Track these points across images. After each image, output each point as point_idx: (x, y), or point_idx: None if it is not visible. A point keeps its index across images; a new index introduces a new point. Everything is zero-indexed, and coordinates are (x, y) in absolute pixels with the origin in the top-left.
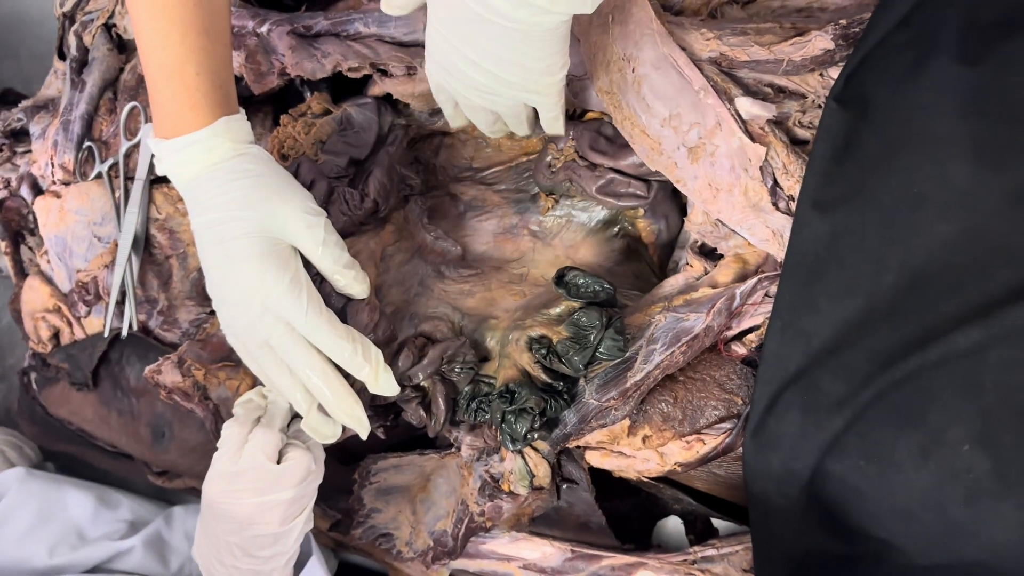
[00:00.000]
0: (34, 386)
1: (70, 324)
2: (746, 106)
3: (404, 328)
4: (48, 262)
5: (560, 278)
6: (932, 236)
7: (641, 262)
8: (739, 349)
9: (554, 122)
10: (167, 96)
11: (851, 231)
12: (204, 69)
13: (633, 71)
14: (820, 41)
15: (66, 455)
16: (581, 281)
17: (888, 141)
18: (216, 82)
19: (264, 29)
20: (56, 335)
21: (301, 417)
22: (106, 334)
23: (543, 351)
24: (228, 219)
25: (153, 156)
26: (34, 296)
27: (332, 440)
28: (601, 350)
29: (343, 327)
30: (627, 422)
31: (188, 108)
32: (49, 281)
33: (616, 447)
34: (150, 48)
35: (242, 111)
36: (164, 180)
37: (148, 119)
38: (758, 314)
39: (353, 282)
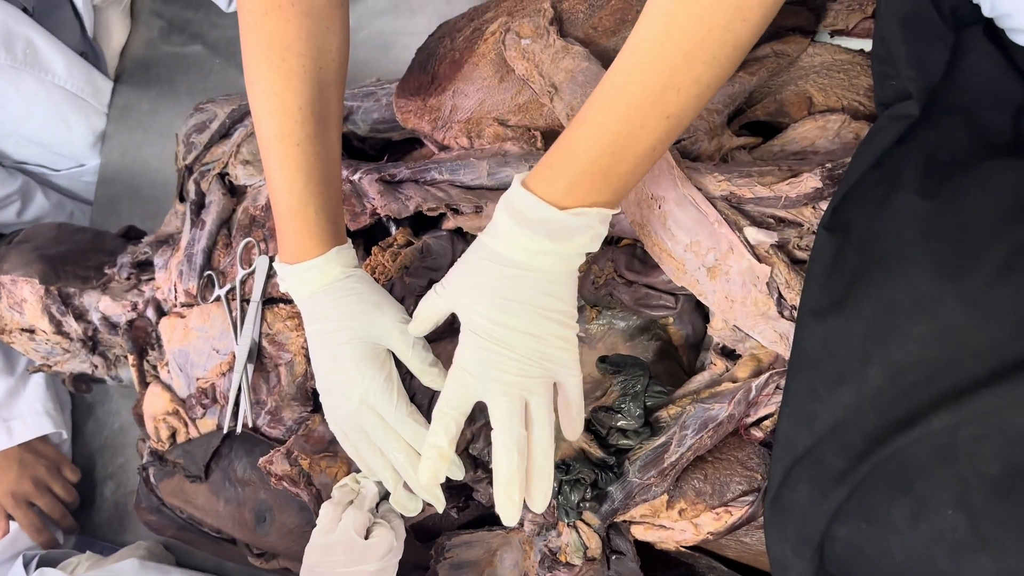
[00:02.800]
0: (152, 479)
1: (186, 425)
2: (753, 234)
3: (478, 418)
4: (168, 372)
5: (603, 359)
6: (906, 336)
7: (672, 361)
8: (757, 433)
9: (575, 420)
10: (291, 230)
11: (840, 332)
12: (321, 209)
13: (659, 207)
14: (811, 181)
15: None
16: (617, 358)
17: (866, 259)
18: (330, 219)
19: (356, 177)
20: (173, 435)
21: (388, 500)
22: (225, 430)
23: (601, 412)
24: (336, 328)
25: (268, 279)
26: (156, 401)
27: (414, 513)
28: (649, 396)
29: (423, 420)
30: (665, 497)
31: (308, 240)
32: (168, 388)
33: (657, 520)
34: (279, 191)
35: (349, 241)
36: (275, 301)
37: (261, 252)
38: (771, 403)
39: (437, 378)
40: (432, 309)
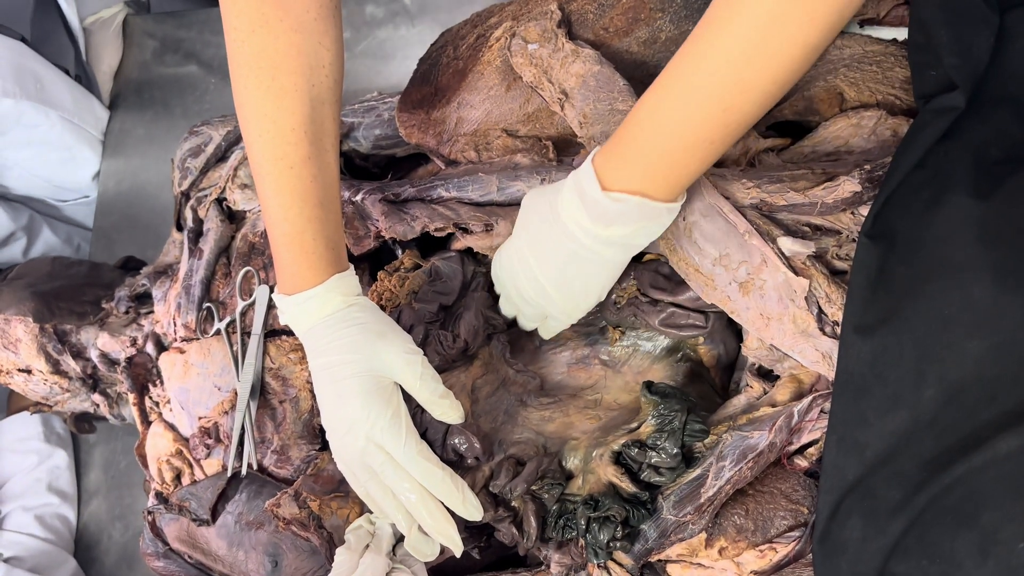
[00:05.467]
0: (157, 523)
1: (191, 466)
2: (787, 244)
3: (495, 453)
4: (171, 410)
5: (649, 386)
6: (963, 353)
7: (704, 384)
8: (801, 462)
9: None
10: (288, 259)
11: (890, 351)
12: (319, 235)
13: (684, 219)
14: (848, 185)
15: None
16: (664, 388)
17: (915, 270)
18: (329, 245)
19: (359, 198)
20: (178, 476)
21: (404, 541)
22: (228, 473)
23: (634, 449)
24: (339, 362)
25: (269, 310)
26: (159, 441)
27: (431, 558)
28: (687, 433)
29: (435, 457)
30: (704, 535)
31: (306, 268)
32: (172, 427)
33: (695, 559)
34: (275, 219)
35: (351, 267)
36: (277, 333)
37: (261, 282)
38: (816, 429)
39: (449, 410)
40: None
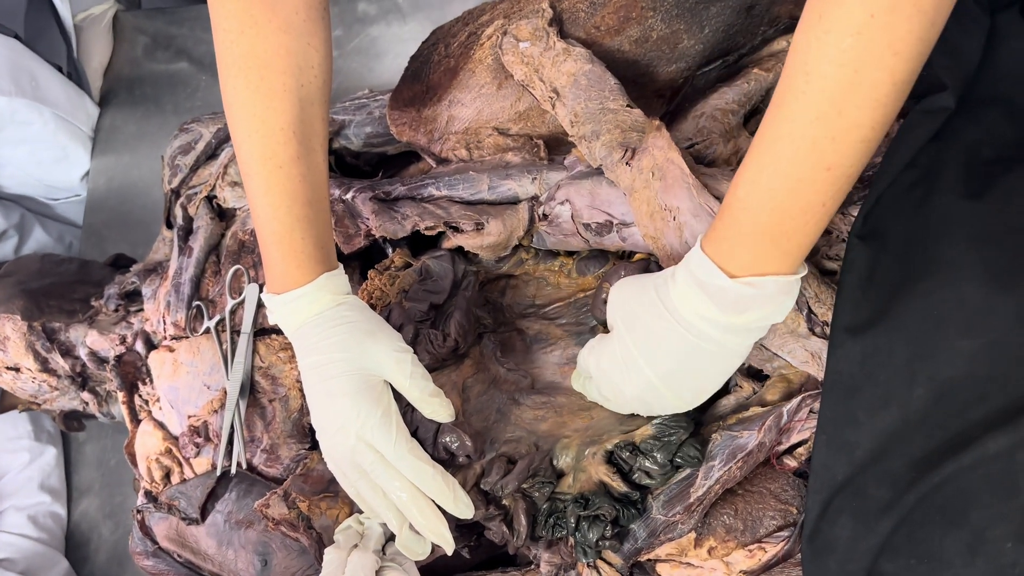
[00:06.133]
0: (147, 522)
1: (180, 465)
2: None
3: (487, 451)
4: (160, 409)
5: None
6: (955, 352)
7: None
8: (790, 462)
9: None
10: (277, 258)
11: (881, 350)
12: (308, 234)
13: (674, 219)
14: None
15: None
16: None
17: (906, 270)
18: (318, 244)
19: (349, 196)
20: (168, 475)
21: (395, 540)
22: (217, 472)
23: (626, 452)
24: (328, 361)
25: (259, 309)
26: (148, 440)
27: (422, 557)
28: (680, 454)
29: (425, 456)
30: (693, 535)
31: (295, 268)
32: (161, 426)
33: (684, 559)
34: (264, 218)
35: (340, 266)
36: (267, 332)
37: (250, 280)
38: (805, 429)
39: (439, 409)
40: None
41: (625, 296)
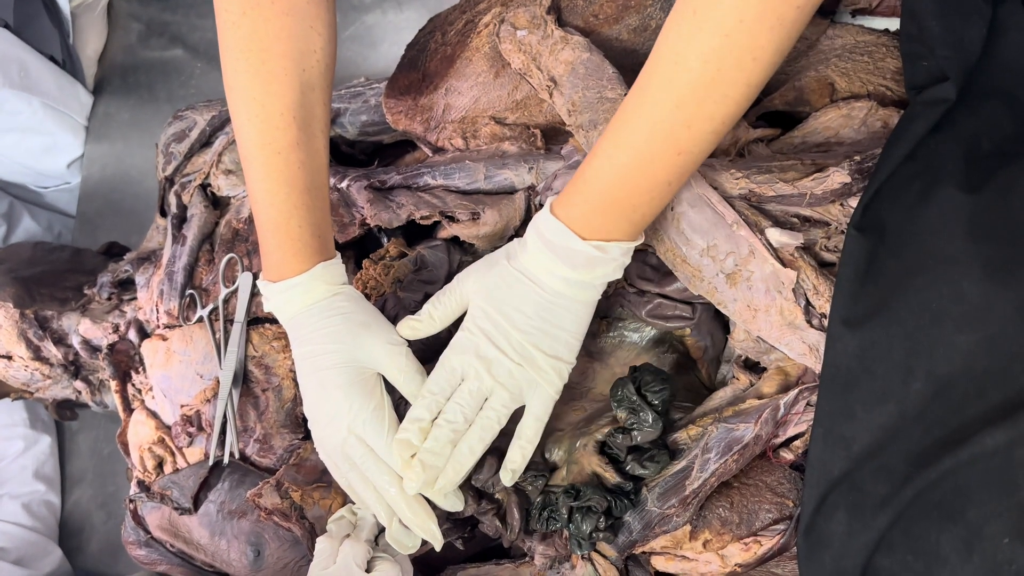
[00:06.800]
0: (139, 511)
1: (173, 454)
2: (776, 236)
3: None
4: (153, 398)
5: (633, 369)
6: (952, 347)
7: (692, 375)
8: (787, 455)
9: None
10: (273, 245)
11: (878, 344)
12: (305, 222)
13: (672, 210)
14: (838, 176)
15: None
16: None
17: (905, 263)
18: (315, 232)
19: (344, 184)
20: (160, 464)
21: (385, 534)
22: (210, 462)
23: (619, 436)
24: (322, 351)
25: (253, 298)
26: (141, 429)
27: (412, 551)
28: (650, 398)
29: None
30: (688, 527)
31: (291, 256)
32: (154, 415)
33: (679, 551)
34: (261, 205)
35: (338, 255)
36: (260, 321)
37: (244, 268)
38: (802, 422)
39: None
40: (446, 308)
41: (475, 275)
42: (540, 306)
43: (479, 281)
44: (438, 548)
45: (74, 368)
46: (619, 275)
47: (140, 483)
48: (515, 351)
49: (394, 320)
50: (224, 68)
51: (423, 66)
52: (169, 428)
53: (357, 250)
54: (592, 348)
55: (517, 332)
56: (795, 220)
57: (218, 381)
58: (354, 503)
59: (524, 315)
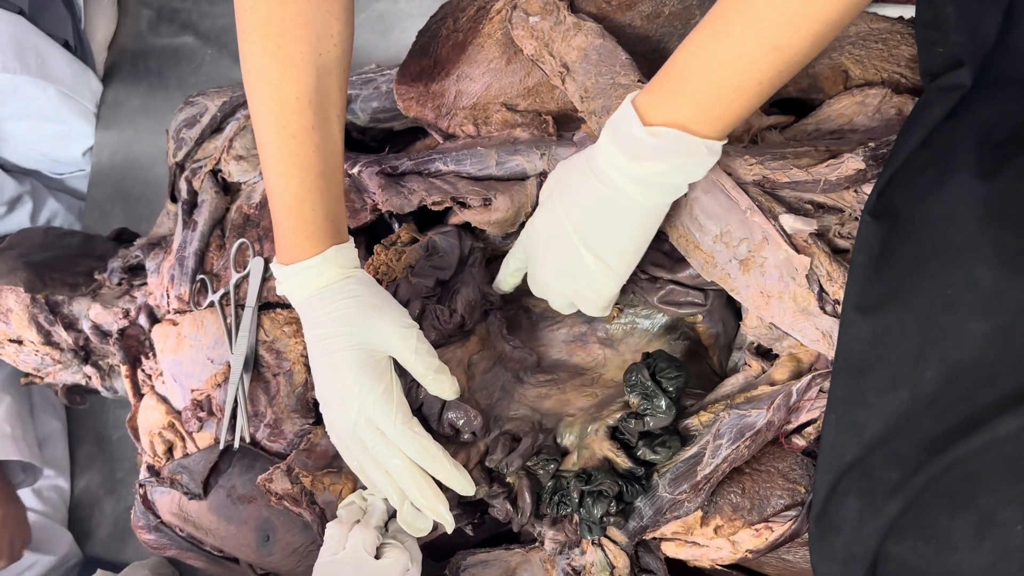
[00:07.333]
0: (149, 496)
1: (183, 439)
2: (789, 222)
3: (491, 428)
4: (163, 383)
5: (646, 355)
6: (965, 334)
7: (703, 363)
8: (799, 441)
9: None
10: (287, 229)
11: (891, 331)
12: (319, 206)
13: (685, 196)
14: (852, 162)
15: (176, 562)
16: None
17: (918, 250)
18: (329, 216)
19: (356, 170)
20: (170, 449)
21: (397, 517)
22: (220, 447)
23: (631, 422)
24: (333, 334)
25: (264, 282)
26: (151, 414)
27: (424, 534)
28: (664, 384)
29: (425, 433)
30: (699, 513)
31: (304, 239)
32: (164, 400)
33: (690, 537)
34: (276, 188)
35: (350, 239)
36: (271, 306)
37: (255, 253)
38: (814, 408)
39: (444, 385)
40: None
41: (560, 169)
42: (598, 201)
43: (559, 169)
44: (449, 530)
45: (84, 353)
46: (687, 179)
47: (150, 468)
48: (563, 250)
49: (406, 305)
50: (241, 51)
51: (435, 53)
52: (179, 413)
53: (369, 236)
54: (603, 334)
55: (571, 226)
56: (809, 206)
57: (229, 366)
58: (365, 488)
59: (580, 209)
